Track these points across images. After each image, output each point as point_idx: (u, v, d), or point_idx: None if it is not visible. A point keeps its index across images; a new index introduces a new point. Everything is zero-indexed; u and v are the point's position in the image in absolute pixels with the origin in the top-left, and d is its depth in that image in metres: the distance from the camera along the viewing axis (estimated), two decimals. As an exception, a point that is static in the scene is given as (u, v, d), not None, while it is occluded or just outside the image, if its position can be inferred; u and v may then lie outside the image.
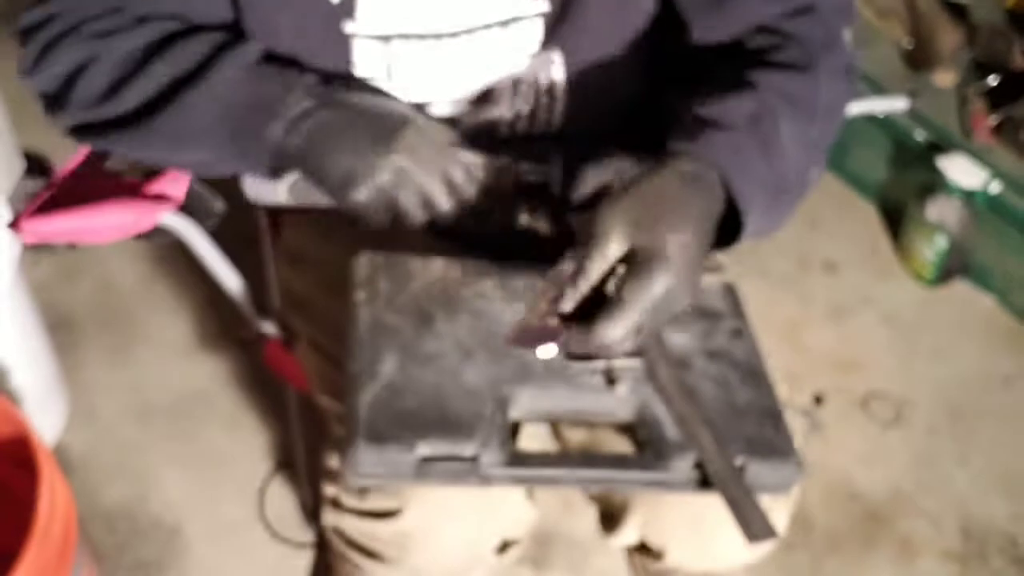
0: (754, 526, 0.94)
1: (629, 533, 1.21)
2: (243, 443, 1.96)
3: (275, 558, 1.80)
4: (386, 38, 1.03)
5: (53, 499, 1.23)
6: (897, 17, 2.48)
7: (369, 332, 0.98)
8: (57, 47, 1.01)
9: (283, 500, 1.88)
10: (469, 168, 0.99)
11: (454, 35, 1.04)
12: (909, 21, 2.46)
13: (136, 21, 1.01)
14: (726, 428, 0.97)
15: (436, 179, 0.96)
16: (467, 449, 0.91)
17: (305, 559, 1.80)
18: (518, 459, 0.93)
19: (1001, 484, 2.00)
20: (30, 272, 1.81)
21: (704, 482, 0.96)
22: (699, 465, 0.95)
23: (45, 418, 1.85)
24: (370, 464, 0.91)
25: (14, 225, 1.16)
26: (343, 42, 1.03)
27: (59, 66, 1.01)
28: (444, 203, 0.97)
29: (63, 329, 2.10)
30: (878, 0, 2.51)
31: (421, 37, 1.04)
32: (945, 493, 1.98)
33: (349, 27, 1.03)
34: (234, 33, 1.03)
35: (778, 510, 1.12)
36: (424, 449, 0.91)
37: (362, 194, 0.95)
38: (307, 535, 1.82)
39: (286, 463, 1.92)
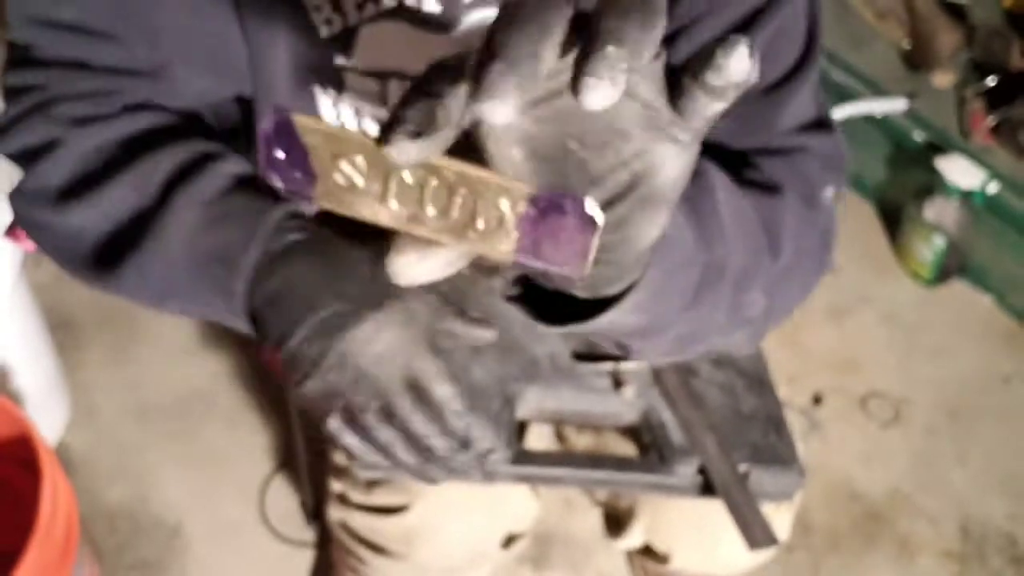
0: (756, 533, 0.95)
1: (635, 536, 1.22)
2: (244, 443, 1.96)
3: (276, 557, 1.80)
4: (382, 76, 0.94)
5: (55, 498, 1.23)
6: (896, 18, 2.49)
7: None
8: (23, 123, 0.88)
9: (284, 500, 1.88)
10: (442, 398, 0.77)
11: None
12: (908, 22, 2.47)
13: (122, 109, 0.88)
14: (731, 434, 0.98)
15: (400, 385, 0.76)
16: None
17: (306, 558, 1.80)
18: (524, 457, 0.93)
19: (1000, 484, 2.01)
20: (32, 273, 1.81)
21: (707, 487, 0.96)
22: (702, 470, 0.96)
23: (47, 418, 1.85)
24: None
25: (10, 232, 1.15)
26: (335, 73, 0.94)
27: (16, 145, 0.87)
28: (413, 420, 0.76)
29: (64, 330, 2.10)
30: (877, 1, 2.52)
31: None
32: (944, 493, 1.99)
33: (341, 60, 0.94)
34: (203, 135, 0.90)
35: (780, 516, 1.12)
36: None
37: (307, 386, 0.76)
38: (307, 534, 1.82)
39: (287, 463, 1.92)
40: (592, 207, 0.45)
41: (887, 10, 2.50)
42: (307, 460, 1.75)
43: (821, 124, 0.92)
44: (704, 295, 0.70)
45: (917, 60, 2.43)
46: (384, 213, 0.47)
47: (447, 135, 0.42)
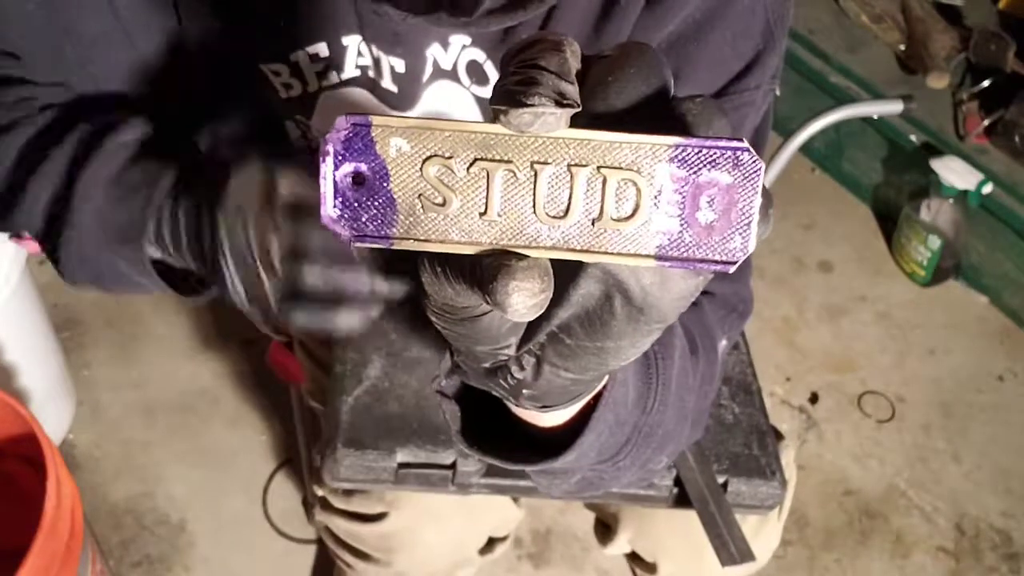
0: (730, 549, 0.94)
1: (622, 544, 1.22)
2: (247, 440, 1.98)
3: (279, 553, 1.82)
4: None
5: (60, 495, 1.24)
6: (892, 21, 2.50)
7: (358, 334, 0.99)
8: None
9: (287, 496, 1.90)
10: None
11: None
12: (903, 25, 2.48)
13: (39, 110, 0.85)
14: (711, 444, 0.97)
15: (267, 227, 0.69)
16: (446, 457, 0.92)
17: (308, 555, 1.82)
18: (496, 468, 0.93)
19: (994, 481, 2.03)
20: (37, 272, 1.82)
21: (684, 498, 0.96)
22: (679, 482, 0.96)
23: (52, 416, 1.87)
24: (348, 468, 0.92)
25: (15, 234, 1.17)
26: (296, 126, 0.92)
27: None
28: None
29: (70, 329, 2.12)
30: (873, 5, 2.53)
31: None
32: (939, 489, 2.01)
33: (299, 119, 0.92)
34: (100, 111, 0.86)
35: (769, 527, 1.12)
36: (403, 455, 0.92)
37: (231, 282, 0.71)
38: (310, 531, 1.84)
39: (289, 460, 1.94)
40: (751, 147, 0.35)
41: (883, 13, 2.51)
42: (308, 458, 1.76)
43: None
44: (624, 454, 0.69)
45: (913, 63, 2.45)
46: (485, 232, 0.37)
47: (577, 107, 0.36)
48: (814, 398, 2.15)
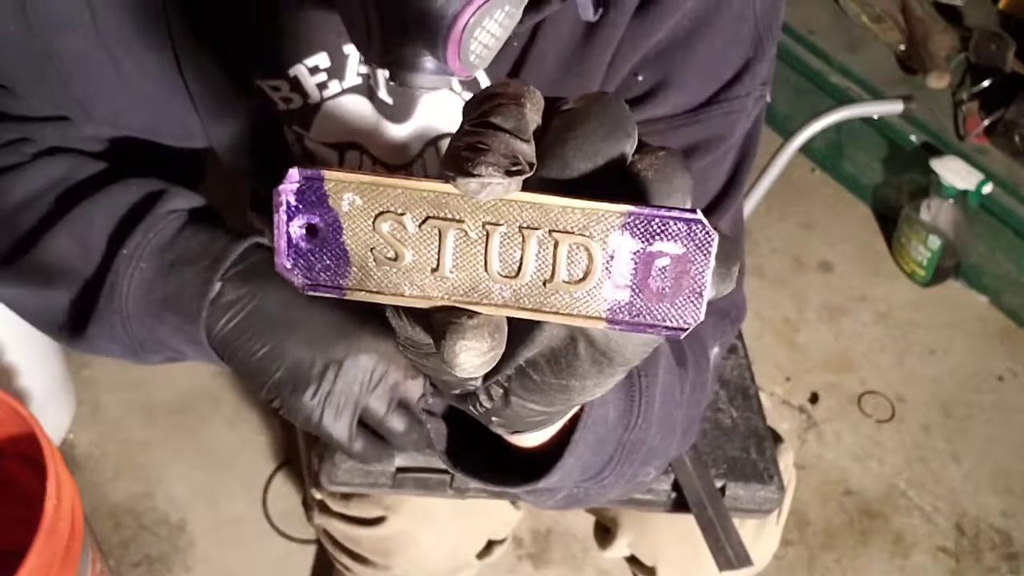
0: (727, 553, 0.94)
1: (621, 548, 1.23)
2: (247, 440, 1.98)
3: (278, 554, 1.82)
4: (338, 147, 0.91)
5: (60, 495, 1.24)
6: (892, 21, 2.50)
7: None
8: None
9: (286, 497, 1.90)
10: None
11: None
12: (904, 25, 2.48)
13: (33, 156, 0.85)
14: (709, 448, 0.97)
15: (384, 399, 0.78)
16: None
17: (308, 555, 1.82)
18: None
19: (994, 481, 2.03)
20: (37, 273, 1.82)
21: (681, 503, 0.96)
22: (677, 486, 0.96)
23: (52, 415, 1.87)
24: (346, 472, 0.92)
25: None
26: (296, 139, 0.92)
27: None
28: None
29: (70, 329, 2.11)
30: (873, 5, 2.53)
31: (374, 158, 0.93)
32: (939, 489, 2.01)
33: (298, 130, 0.91)
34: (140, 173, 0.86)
35: (768, 531, 1.12)
36: (401, 460, 0.92)
37: (306, 395, 0.76)
38: (310, 531, 1.84)
39: (289, 460, 1.94)
40: (704, 219, 0.35)
41: (883, 13, 2.51)
42: (308, 459, 1.76)
43: None
44: (608, 471, 0.69)
45: (913, 63, 2.45)
46: (437, 287, 0.37)
47: (528, 171, 0.36)
48: (814, 398, 2.15)
